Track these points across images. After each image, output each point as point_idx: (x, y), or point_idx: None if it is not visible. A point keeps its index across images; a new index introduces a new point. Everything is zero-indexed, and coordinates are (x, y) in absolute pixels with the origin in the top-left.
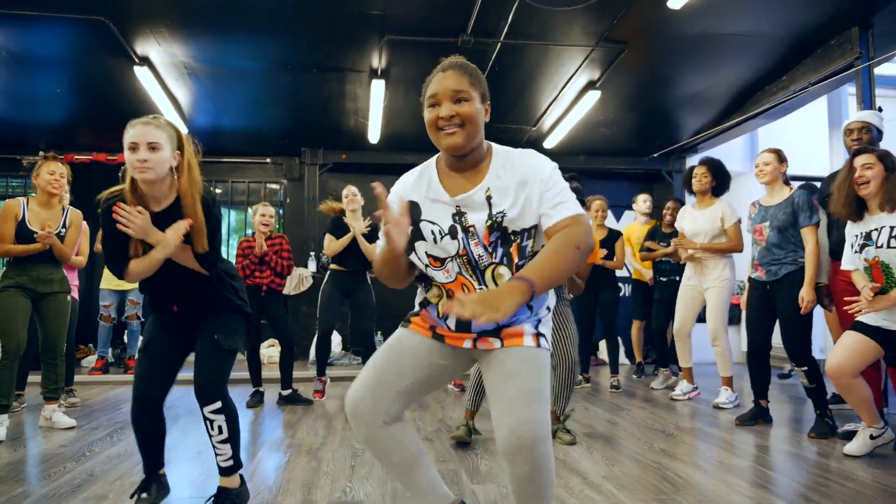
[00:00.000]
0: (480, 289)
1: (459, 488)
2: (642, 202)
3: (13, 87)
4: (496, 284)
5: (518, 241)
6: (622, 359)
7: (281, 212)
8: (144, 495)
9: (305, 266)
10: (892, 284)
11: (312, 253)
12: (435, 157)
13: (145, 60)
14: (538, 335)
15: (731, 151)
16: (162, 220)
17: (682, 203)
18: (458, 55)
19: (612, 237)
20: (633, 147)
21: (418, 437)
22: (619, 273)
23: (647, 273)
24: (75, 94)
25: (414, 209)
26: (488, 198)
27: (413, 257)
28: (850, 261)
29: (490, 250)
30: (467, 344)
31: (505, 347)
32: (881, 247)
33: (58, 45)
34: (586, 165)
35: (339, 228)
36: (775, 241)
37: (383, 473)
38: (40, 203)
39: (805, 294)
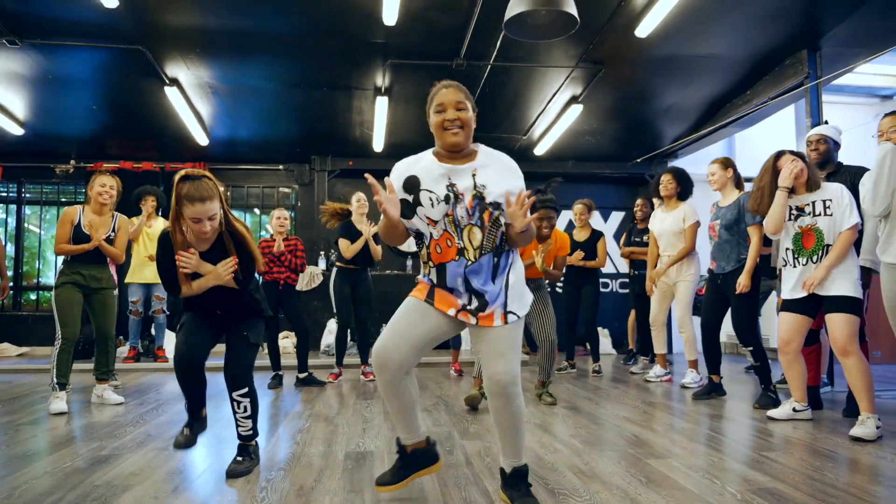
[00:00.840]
0: (458, 242)
1: (451, 443)
2: (638, 208)
3: (52, 104)
4: (470, 241)
5: (490, 209)
6: (610, 349)
7: (293, 214)
8: (187, 430)
9: (316, 264)
10: (819, 248)
11: (322, 252)
12: (428, 150)
13: (175, 82)
14: (506, 314)
15: (710, 156)
16: (208, 257)
17: (650, 200)
18: (452, 79)
19: (595, 237)
20: (617, 153)
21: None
22: (608, 269)
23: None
24: (108, 110)
25: (414, 181)
26: (473, 175)
27: (416, 219)
28: (787, 233)
29: (470, 213)
30: (451, 312)
31: (480, 326)
32: (818, 215)
33: (97, 69)
34: (574, 170)
35: (351, 232)
36: (725, 238)
37: (389, 433)
38: (94, 210)
39: (742, 279)
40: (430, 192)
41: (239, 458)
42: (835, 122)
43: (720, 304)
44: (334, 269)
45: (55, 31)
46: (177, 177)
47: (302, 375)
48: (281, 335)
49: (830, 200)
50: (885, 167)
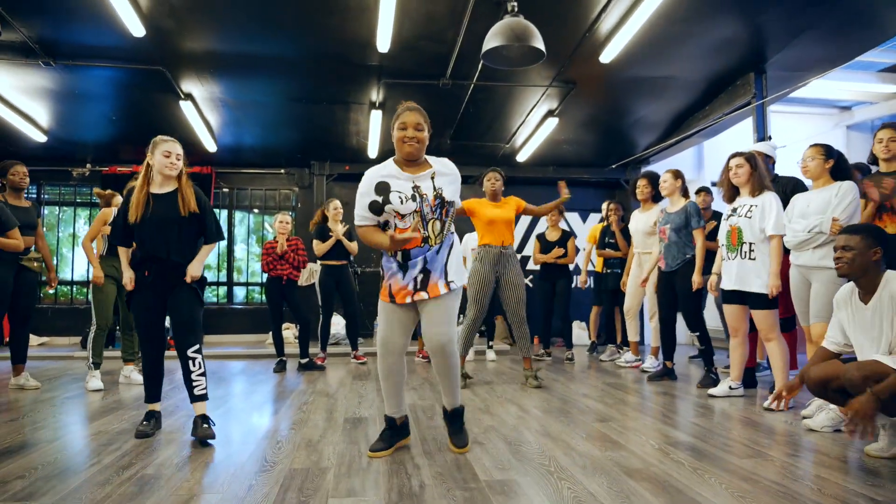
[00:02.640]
0: (424, 233)
1: (433, 412)
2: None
3: (73, 115)
4: (433, 231)
5: (448, 207)
6: (586, 339)
7: (293, 215)
8: (145, 423)
9: (315, 262)
10: (741, 243)
11: None
12: (390, 159)
13: (189, 96)
14: (448, 283)
15: (681, 161)
16: (165, 200)
17: (622, 204)
18: (439, 96)
19: (565, 237)
20: (594, 159)
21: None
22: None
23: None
24: (125, 120)
25: (384, 185)
26: (432, 178)
27: (384, 214)
28: (721, 231)
29: (433, 210)
30: (408, 300)
31: (431, 298)
32: (741, 216)
33: (119, 85)
34: (554, 175)
35: (324, 234)
36: (673, 240)
37: (381, 404)
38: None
39: (695, 278)
40: (399, 192)
41: (205, 426)
42: (794, 131)
43: (672, 299)
44: (319, 266)
45: (86, 55)
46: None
47: (304, 361)
48: (284, 326)
49: (756, 206)
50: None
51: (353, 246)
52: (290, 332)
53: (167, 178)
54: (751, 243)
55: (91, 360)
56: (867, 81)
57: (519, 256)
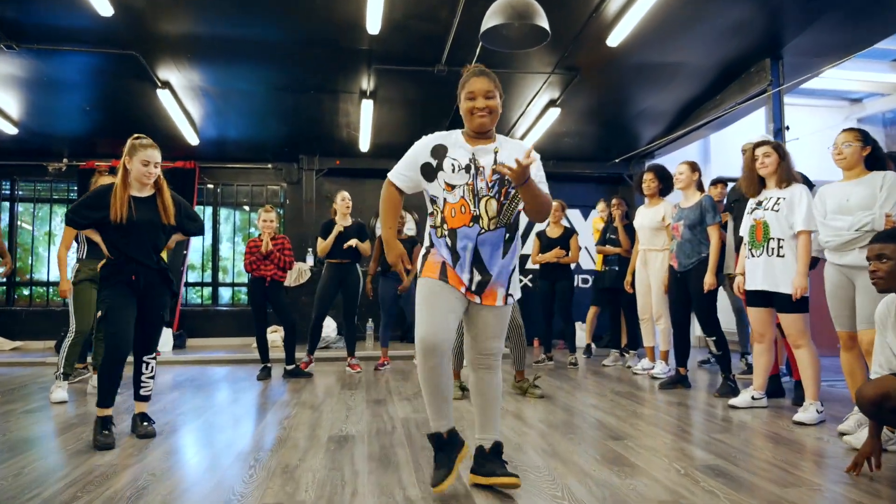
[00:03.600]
0: (474, 210)
1: (428, 427)
2: (600, 211)
3: (46, 105)
4: (486, 211)
5: (508, 186)
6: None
7: (281, 212)
8: (106, 432)
9: (304, 261)
10: (767, 239)
11: (310, 249)
12: (458, 130)
13: (166, 84)
14: (507, 296)
15: (687, 155)
16: (144, 204)
17: (626, 200)
18: (433, 84)
19: (567, 234)
20: (596, 153)
21: None
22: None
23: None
24: (100, 110)
25: (441, 148)
26: (495, 152)
27: (434, 183)
28: (744, 226)
29: (489, 186)
30: (462, 290)
31: (483, 305)
32: (767, 209)
33: (91, 72)
34: (555, 170)
35: (329, 230)
36: (687, 237)
37: (371, 419)
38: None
39: (708, 279)
40: (454, 159)
41: (145, 423)
42: (805, 124)
43: (686, 300)
44: (308, 266)
45: (52, 38)
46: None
47: (289, 367)
48: (270, 329)
49: (784, 199)
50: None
51: (364, 247)
52: (278, 334)
53: (143, 185)
54: (779, 239)
55: (62, 368)
56: (880, 71)
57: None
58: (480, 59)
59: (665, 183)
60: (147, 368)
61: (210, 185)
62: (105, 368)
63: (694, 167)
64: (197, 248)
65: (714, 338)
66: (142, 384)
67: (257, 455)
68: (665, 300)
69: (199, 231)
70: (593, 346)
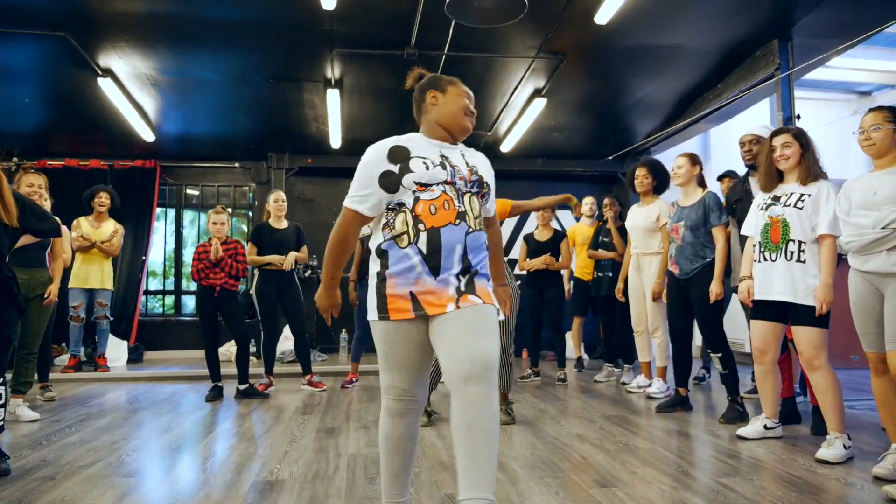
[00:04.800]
0: (458, 206)
1: (377, 468)
2: (586, 205)
3: None
4: (471, 208)
5: (486, 192)
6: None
7: (250, 214)
8: None
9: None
10: (786, 241)
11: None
12: (413, 133)
13: (108, 72)
14: (491, 293)
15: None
16: None
17: (619, 200)
18: (406, 68)
19: (557, 238)
20: (588, 150)
21: None
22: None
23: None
24: (45, 103)
25: (402, 150)
26: (462, 155)
27: (401, 189)
28: (753, 224)
29: (468, 185)
30: (450, 308)
31: (484, 304)
32: (788, 206)
33: (24, 58)
34: (544, 168)
35: (261, 235)
36: (689, 240)
37: (313, 455)
38: None
39: (714, 287)
40: (424, 157)
41: None
42: (811, 119)
43: (687, 311)
44: (256, 272)
45: None
46: None
47: (242, 387)
48: (231, 342)
49: (810, 195)
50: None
51: (301, 256)
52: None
53: None
54: (800, 242)
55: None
56: (891, 59)
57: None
58: (454, 42)
59: (660, 178)
60: None
61: (173, 186)
62: None
63: (694, 160)
64: (159, 253)
65: (720, 354)
66: None
67: None
68: (662, 310)
69: (53, 231)
70: (585, 357)
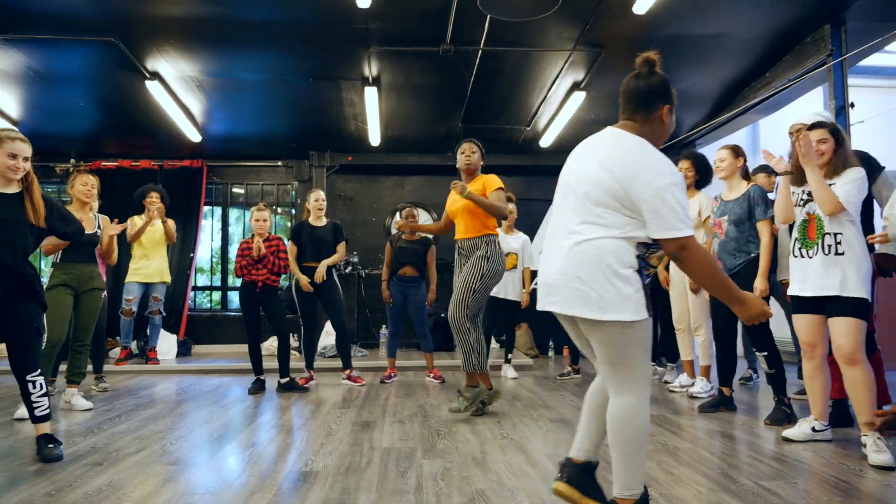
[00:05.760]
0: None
1: (410, 462)
2: None
3: (41, 102)
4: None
5: None
6: None
7: (293, 212)
8: None
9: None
10: (821, 235)
11: None
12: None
13: (156, 75)
14: None
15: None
16: (7, 201)
17: None
18: (441, 65)
19: None
20: None
21: None
22: None
23: None
24: (97, 106)
25: None
26: None
27: None
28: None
29: None
30: None
31: None
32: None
33: (76, 63)
34: None
35: (300, 234)
36: (733, 235)
37: (348, 448)
38: (76, 209)
39: (758, 284)
40: None
41: (50, 445)
42: (866, 106)
43: (730, 309)
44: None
45: (24, 25)
46: None
47: (283, 381)
48: (274, 337)
49: (833, 185)
50: None
51: (336, 258)
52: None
53: (9, 181)
54: (835, 234)
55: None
56: None
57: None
58: (489, 36)
59: (703, 172)
60: (35, 387)
61: (219, 185)
62: None
63: (737, 152)
64: (206, 250)
65: (766, 353)
66: (34, 405)
67: (191, 498)
68: (705, 307)
69: (77, 234)
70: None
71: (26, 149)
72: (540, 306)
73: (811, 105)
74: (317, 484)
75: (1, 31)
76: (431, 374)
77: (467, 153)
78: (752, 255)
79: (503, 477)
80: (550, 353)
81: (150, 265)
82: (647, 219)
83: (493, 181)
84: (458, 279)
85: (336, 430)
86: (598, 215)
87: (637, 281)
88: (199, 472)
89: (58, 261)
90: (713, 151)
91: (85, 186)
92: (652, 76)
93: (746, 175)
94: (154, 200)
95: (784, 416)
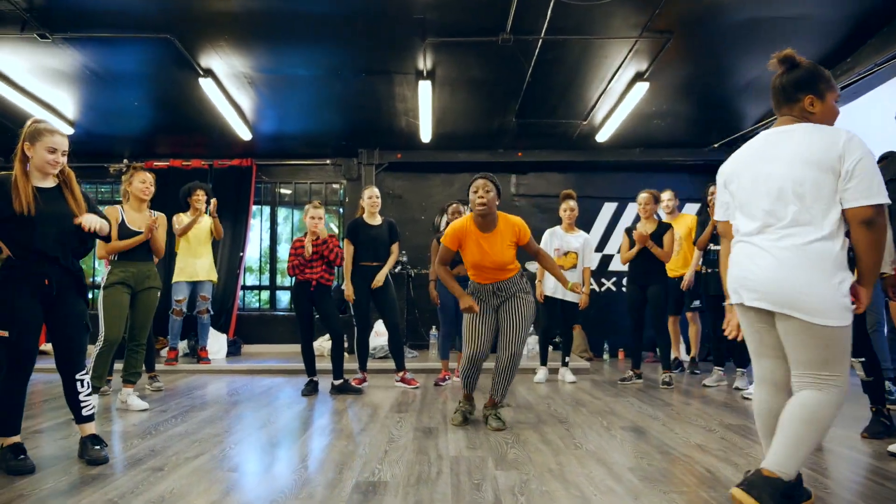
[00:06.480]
0: None
1: (483, 473)
2: (666, 199)
3: (97, 102)
4: None
5: None
6: (683, 355)
7: (342, 211)
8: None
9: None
10: None
11: None
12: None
13: (209, 73)
14: None
15: None
16: (48, 195)
17: None
18: (500, 56)
19: (662, 230)
20: (691, 138)
21: None
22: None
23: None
24: (151, 105)
25: None
26: None
27: None
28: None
29: None
30: None
31: None
32: None
33: (132, 62)
34: (642, 158)
35: (357, 232)
36: None
37: (414, 456)
38: (133, 207)
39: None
40: None
41: (97, 447)
42: None
43: None
44: (352, 270)
45: (81, 23)
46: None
47: (337, 382)
48: (326, 336)
49: None
50: None
51: (391, 262)
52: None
53: (46, 175)
54: None
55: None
56: None
57: (598, 255)
58: (551, 25)
59: None
60: (83, 386)
61: (268, 184)
62: (5, 387)
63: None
64: (254, 249)
65: (863, 359)
66: (81, 404)
67: None
68: None
69: (107, 236)
70: (685, 360)
71: (64, 143)
72: (748, 302)
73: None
74: (387, 496)
75: (58, 30)
76: (446, 376)
77: (481, 192)
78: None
79: (587, 492)
80: (605, 357)
81: (196, 263)
82: (850, 188)
83: (525, 230)
84: (511, 321)
85: (398, 436)
86: (813, 215)
87: (848, 282)
88: (262, 480)
89: (116, 259)
90: None
91: (144, 184)
92: (792, 71)
93: None
94: (200, 197)
95: (884, 428)
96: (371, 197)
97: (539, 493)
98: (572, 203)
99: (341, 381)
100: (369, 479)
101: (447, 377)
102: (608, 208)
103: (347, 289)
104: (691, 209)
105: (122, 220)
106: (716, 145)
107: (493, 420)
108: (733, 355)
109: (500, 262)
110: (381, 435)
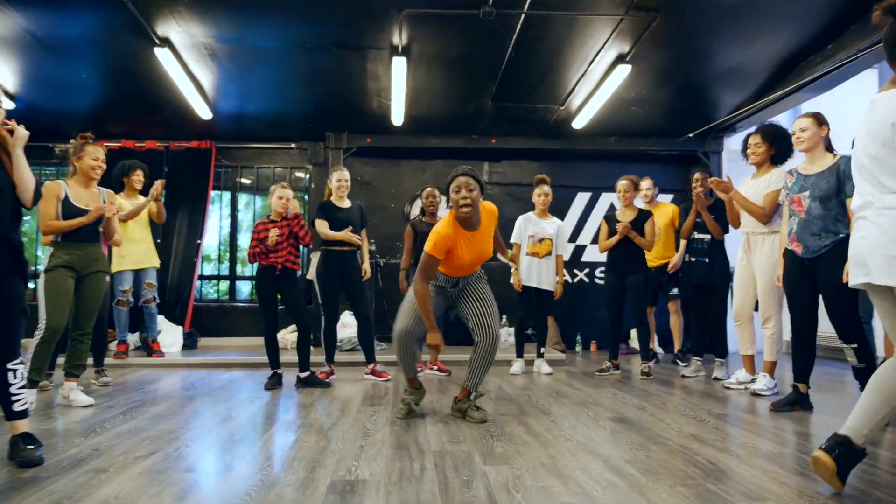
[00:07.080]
0: None
1: (471, 469)
2: (645, 188)
3: (41, 73)
4: None
5: None
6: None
7: (307, 197)
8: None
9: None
10: None
11: None
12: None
13: (166, 42)
14: None
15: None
16: None
17: (710, 174)
18: (480, 30)
19: (642, 217)
20: (667, 127)
21: None
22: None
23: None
24: (102, 78)
25: None
26: None
27: None
28: None
29: None
30: None
31: None
32: None
33: (80, 27)
34: (617, 147)
35: (329, 212)
36: (818, 213)
37: (391, 451)
38: (79, 184)
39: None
40: None
41: (30, 446)
42: None
43: (813, 296)
44: (318, 253)
45: None
46: None
47: (303, 375)
48: (291, 328)
49: None
50: None
51: (355, 238)
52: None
53: None
54: None
55: (27, 374)
56: None
57: (572, 246)
58: None
59: (780, 145)
60: (15, 377)
61: (228, 168)
62: None
63: (820, 120)
64: (213, 237)
65: (855, 345)
66: (13, 398)
67: None
68: (775, 297)
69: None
70: (660, 351)
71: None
72: (852, 283)
73: (867, 85)
74: (367, 495)
75: None
76: (435, 366)
77: (464, 192)
78: (841, 235)
79: (587, 487)
80: (578, 348)
81: (137, 249)
82: None
83: (496, 213)
84: (478, 304)
85: (373, 430)
86: None
87: None
88: (223, 480)
89: (59, 240)
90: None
91: (96, 161)
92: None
93: (830, 146)
94: (139, 178)
95: None
96: (340, 180)
97: (536, 488)
98: (546, 188)
99: (308, 373)
100: (345, 477)
101: (420, 369)
102: (581, 198)
103: (352, 237)
104: (665, 199)
105: (66, 196)
106: (690, 135)
107: (473, 411)
108: (713, 346)
109: (484, 256)
110: (355, 430)
